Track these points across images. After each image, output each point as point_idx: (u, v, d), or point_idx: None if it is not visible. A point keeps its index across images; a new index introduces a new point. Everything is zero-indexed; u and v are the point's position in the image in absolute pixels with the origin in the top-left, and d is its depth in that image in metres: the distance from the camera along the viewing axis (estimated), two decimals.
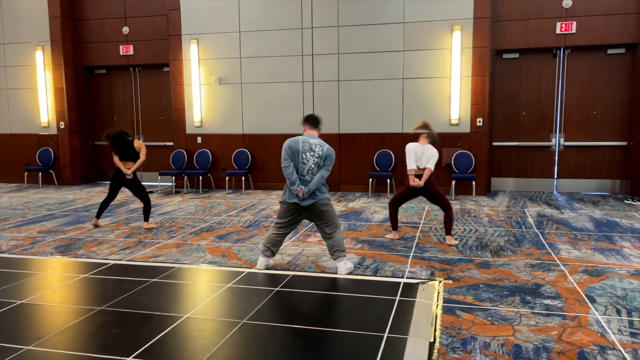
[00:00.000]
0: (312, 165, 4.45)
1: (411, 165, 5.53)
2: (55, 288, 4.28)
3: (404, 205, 7.52)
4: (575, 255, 5.09)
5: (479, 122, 9.02)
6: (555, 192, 9.44)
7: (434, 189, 5.62)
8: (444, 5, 8.95)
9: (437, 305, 3.74)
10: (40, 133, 11.31)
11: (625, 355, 2.92)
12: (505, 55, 9.41)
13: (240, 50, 9.95)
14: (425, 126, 5.69)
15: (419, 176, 5.55)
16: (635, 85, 8.79)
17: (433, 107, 9.18)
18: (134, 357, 2.95)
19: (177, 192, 10.00)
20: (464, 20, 8.89)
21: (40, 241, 5.98)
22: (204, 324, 3.49)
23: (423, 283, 4.26)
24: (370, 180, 9.38)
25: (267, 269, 4.71)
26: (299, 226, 6.47)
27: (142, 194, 6.69)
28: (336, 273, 4.57)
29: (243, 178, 10.03)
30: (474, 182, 8.91)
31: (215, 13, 9.99)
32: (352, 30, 9.39)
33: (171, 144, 10.80)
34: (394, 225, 5.92)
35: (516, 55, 9.36)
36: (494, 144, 9.61)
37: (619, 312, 3.57)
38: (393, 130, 9.41)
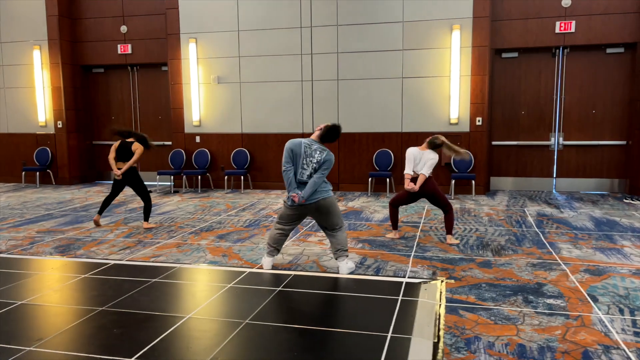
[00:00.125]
0: (312, 171, 4.42)
1: (406, 169, 5.61)
2: (56, 288, 4.25)
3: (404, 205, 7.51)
4: (577, 254, 5.09)
5: (479, 121, 9.02)
6: (554, 191, 9.45)
7: (434, 191, 5.61)
8: (443, 5, 8.94)
9: (440, 305, 3.73)
10: (37, 132, 11.25)
11: (630, 354, 2.92)
12: (504, 55, 9.41)
13: (239, 49, 9.92)
14: (432, 142, 5.66)
15: (416, 180, 5.57)
16: (635, 84, 8.80)
17: (432, 107, 9.17)
18: (136, 358, 2.92)
19: (175, 192, 9.97)
20: (463, 19, 8.89)
21: (39, 241, 5.94)
22: (206, 324, 3.47)
23: (425, 283, 4.25)
24: (370, 179, 9.37)
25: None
26: (299, 225, 6.46)
27: (143, 193, 6.66)
28: (338, 273, 4.56)
29: (242, 177, 10.00)
30: (473, 182, 8.90)
31: (214, 12, 9.96)
32: (351, 29, 9.37)
33: (170, 143, 10.76)
34: (394, 225, 5.91)
35: (515, 54, 9.36)
36: (493, 143, 9.61)
37: (621, 312, 3.57)
38: (392, 130, 9.40)
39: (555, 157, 9.44)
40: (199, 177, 10.11)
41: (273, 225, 4.74)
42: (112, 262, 5.00)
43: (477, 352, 2.98)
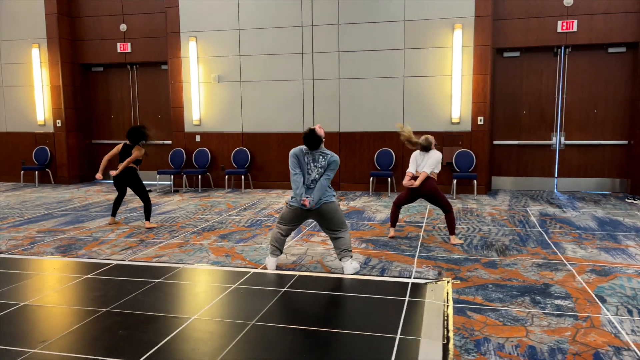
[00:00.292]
0: (317, 176, 4.47)
1: (409, 169, 5.71)
2: (58, 289, 4.20)
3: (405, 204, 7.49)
4: (582, 254, 5.07)
5: (480, 120, 8.99)
6: (555, 190, 9.43)
7: (434, 191, 5.59)
8: (445, 4, 8.91)
9: (448, 306, 3.70)
10: (36, 131, 11.18)
11: None
12: (506, 54, 9.39)
13: (239, 47, 9.87)
14: (417, 142, 5.73)
15: (416, 178, 5.62)
16: (636, 84, 8.79)
17: (434, 106, 9.15)
18: None
19: (175, 191, 9.92)
20: (465, 18, 8.86)
21: (39, 241, 5.89)
22: (212, 325, 3.43)
23: (431, 283, 4.22)
24: (371, 179, 9.33)
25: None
26: (302, 226, 6.43)
27: (142, 193, 6.61)
28: (342, 273, 4.52)
29: (242, 177, 9.96)
30: (475, 181, 8.88)
31: (214, 10, 9.91)
32: (352, 28, 9.34)
33: (169, 142, 10.71)
34: (392, 223, 5.92)
35: (517, 53, 9.34)
36: (495, 142, 9.58)
37: (630, 312, 3.54)
38: (394, 129, 9.31)
39: (557, 156, 9.42)
40: (199, 176, 10.06)
41: (275, 226, 4.73)
42: (115, 262, 4.95)
43: (488, 353, 2.95)
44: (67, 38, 10.95)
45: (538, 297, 3.85)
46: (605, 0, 8.69)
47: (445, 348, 3.02)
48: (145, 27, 10.73)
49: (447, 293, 3.97)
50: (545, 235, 5.91)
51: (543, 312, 3.56)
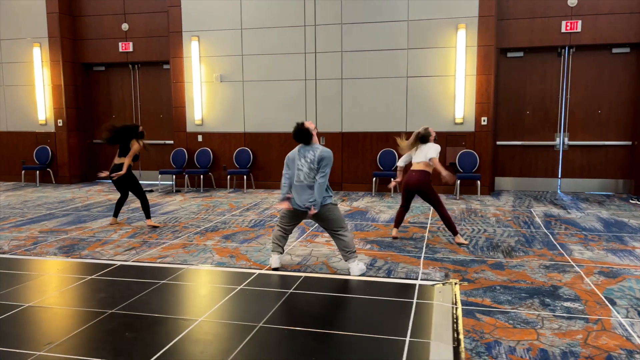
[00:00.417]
0: (307, 171, 4.45)
1: (399, 162, 5.95)
2: (62, 290, 4.16)
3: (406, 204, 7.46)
4: (589, 256, 5.03)
5: (484, 121, 8.96)
6: (559, 191, 9.41)
7: (425, 186, 5.56)
8: (449, 4, 8.87)
9: (456, 308, 3.66)
10: (37, 131, 11.14)
11: None
12: (509, 54, 9.36)
13: (242, 47, 9.84)
14: (415, 137, 5.80)
15: (403, 172, 5.86)
16: None
17: (437, 106, 9.11)
18: None
19: (177, 191, 9.88)
20: (468, 18, 8.83)
21: (42, 241, 5.85)
22: (220, 327, 3.40)
23: (439, 285, 4.19)
24: (374, 179, 9.30)
25: (277, 269, 4.63)
26: (305, 226, 6.39)
27: (136, 190, 6.54)
28: (348, 274, 4.49)
29: (245, 177, 9.92)
30: (478, 182, 8.85)
31: (216, 10, 9.87)
32: (355, 27, 9.30)
33: (171, 142, 10.67)
34: (395, 223, 5.92)
35: (521, 54, 9.31)
36: (498, 143, 9.55)
37: None
38: (397, 129, 9.31)
39: (560, 157, 9.39)
40: (201, 176, 10.02)
41: (276, 224, 4.75)
42: (119, 262, 4.91)
43: (499, 357, 2.91)
44: (69, 37, 10.91)
45: (547, 300, 3.82)
46: (609, 1, 8.67)
47: (456, 351, 2.98)
48: (147, 26, 10.69)
49: (455, 295, 3.94)
50: (550, 236, 5.88)
51: (553, 315, 3.52)
